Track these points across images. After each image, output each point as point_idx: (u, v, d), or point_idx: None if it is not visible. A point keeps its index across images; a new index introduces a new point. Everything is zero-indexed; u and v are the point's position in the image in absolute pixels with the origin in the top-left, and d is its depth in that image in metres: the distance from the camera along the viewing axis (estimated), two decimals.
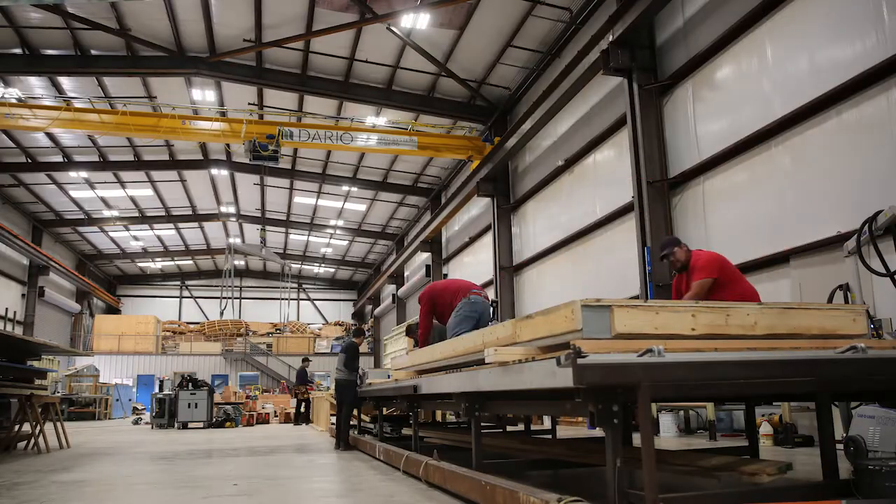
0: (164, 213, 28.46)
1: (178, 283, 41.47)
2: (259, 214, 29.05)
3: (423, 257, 24.98)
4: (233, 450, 8.66)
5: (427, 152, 18.54)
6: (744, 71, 9.17)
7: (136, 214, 28.12)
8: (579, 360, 2.49)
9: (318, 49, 15.79)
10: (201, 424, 15.08)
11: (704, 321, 3.13)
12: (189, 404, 14.90)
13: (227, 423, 15.38)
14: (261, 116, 17.97)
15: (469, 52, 15.53)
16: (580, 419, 10.96)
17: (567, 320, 3.04)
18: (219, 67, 16.04)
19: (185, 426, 14.94)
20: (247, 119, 16.94)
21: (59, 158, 21.55)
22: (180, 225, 30.60)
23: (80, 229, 29.40)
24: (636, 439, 3.36)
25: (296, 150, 21.60)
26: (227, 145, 21.40)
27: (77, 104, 16.78)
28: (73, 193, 25.08)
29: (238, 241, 34.00)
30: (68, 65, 15.88)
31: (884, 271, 5.62)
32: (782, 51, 8.48)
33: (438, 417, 11.41)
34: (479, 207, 19.96)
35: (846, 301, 5.91)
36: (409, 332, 9.14)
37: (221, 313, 25.79)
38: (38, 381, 10.24)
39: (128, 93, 17.72)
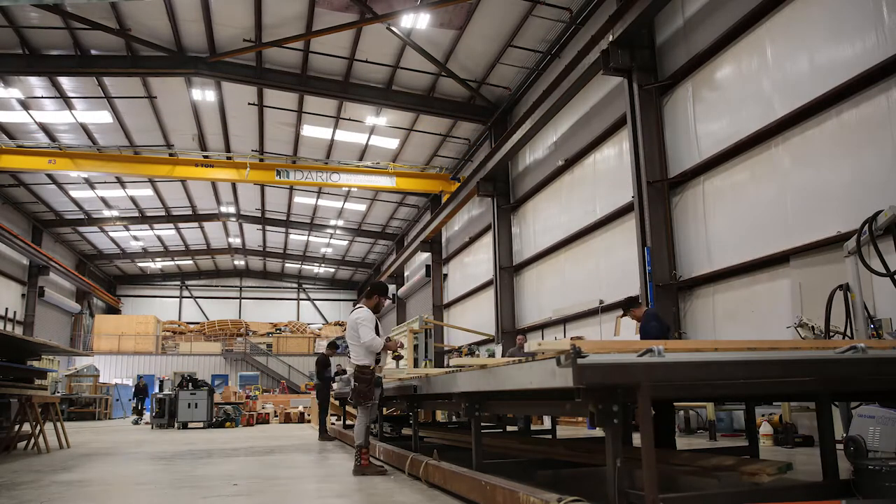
0: (164, 213, 28.46)
1: (178, 283, 41.47)
2: (259, 214, 29.05)
3: (423, 257, 24.98)
4: (233, 450, 8.66)
5: (405, 181, 21.14)
6: (744, 71, 9.17)
7: (136, 214, 28.12)
8: (579, 360, 2.49)
9: (318, 49, 15.78)
10: (201, 424, 15.08)
11: None
12: (189, 404, 14.88)
13: (227, 423, 15.37)
14: (261, 160, 20.36)
15: (469, 52, 15.53)
16: (580, 419, 10.95)
17: None
18: (219, 67, 16.03)
19: (185, 426, 14.94)
20: (250, 162, 20.03)
21: None
22: (180, 225, 30.60)
23: (80, 229, 29.40)
24: (636, 439, 3.36)
25: (296, 150, 21.60)
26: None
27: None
28: (73, 193, 25.08)
29: (238, 241, 34.03)
30: (68, 65, 15.88)
31: (884, 271, 5.62)
32: (782, 51, 8.48)
33: (439, 417, 11.40)
34: (479, 207, 19.96)
35: (846, 301, 5.91)
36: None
37: None
38: (38, 381, 10.23)
39: (128, 93, 17.73)
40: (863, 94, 7.32)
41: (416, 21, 14.00)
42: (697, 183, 10.03)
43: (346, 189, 24.62)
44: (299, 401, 21.19)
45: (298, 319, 42.04)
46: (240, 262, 40.14)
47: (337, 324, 41.58)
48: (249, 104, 18.49)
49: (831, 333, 6.02)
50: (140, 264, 37.88)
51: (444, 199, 20.45)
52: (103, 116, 18.85)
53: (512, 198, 17.19)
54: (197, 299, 41.80)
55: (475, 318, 19.68)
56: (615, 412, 2.73)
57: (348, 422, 11.83)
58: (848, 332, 5.88)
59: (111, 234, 30.84)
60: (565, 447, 5.20)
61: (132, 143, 20.84)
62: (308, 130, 19.99)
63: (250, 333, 38.30)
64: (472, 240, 20.53)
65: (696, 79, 10.09)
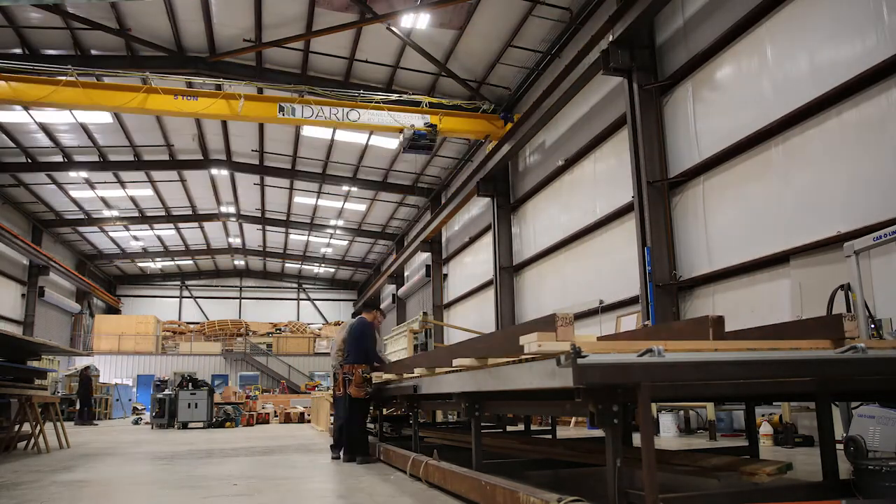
0: (164, 213, 28.47)
1: (178, 283, 41.48)
2: (259, 214, 29.05)
3: (423, 257, 24.98)
4: (233, 450, 8.66)
5: (447, 121, 16.43)
6: (744, 71, 9.17)
7: (136, 214, 28.13)
8: (579, 360, 2.49)
9: (318, 49, 15.78)
10: (201, 424, 15.08)
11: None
12: (189, 404, 14.90)
13: (227, 423, 15.38)
14: (260, 91, 16.12)
15: (469, 52, 15.52)
16: (580, 419, 10.96)
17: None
18: (219, 67, 16.02)
19: (185, 426, 14.94)
20: (245, 94, 15.22)
21: (59, 158, 21.53)
22: (180, 225, 30.62)
23: (80, 229, 29.41)
24: (636, 439, 3.36)
25: (296, 150, 21.61)
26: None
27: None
28: (73, 193, 25.08)
29: (238, 241, 34.07)
30: (68, 65, 15.85)
31: None
32: (782, 51, 8.48)
33: (439, 417, 11.40)
34: (479, 207, 19.96)
35: (847, 301, 5.91)
36: None
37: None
38: (38, 381, 10.23)
39: None
40: (863, 95, 7.32)
41: (416, 21, 14.01)
42: (697, 183, 10.03)
43: (346, 189, 24.63)
44: (299, 401, 21.21)
45: (298, 319, 42.07)
46: (240, 262, 40.16)
47: (337, 324, 41.62)
48: None
49: None
50: (140, 264, 37.89)
51: (489, 147, 16.69)
52: (103, 116, 18.84)
53: (512, 198, 17.19)
54: (197, 299, 41.81)
55: (475, 318, 19.68)
56: (615, 412, 2.73)
57: None
58: None
59: (111, 234, 30.86)
60: (565, 447, 5.20)
61: (132, 143, 20.85)
62: (308, 130, 19.99)
63: (250, 333, 38.33)
64: (472, 240, 20.52)
65: (696, 79, 10.09)
